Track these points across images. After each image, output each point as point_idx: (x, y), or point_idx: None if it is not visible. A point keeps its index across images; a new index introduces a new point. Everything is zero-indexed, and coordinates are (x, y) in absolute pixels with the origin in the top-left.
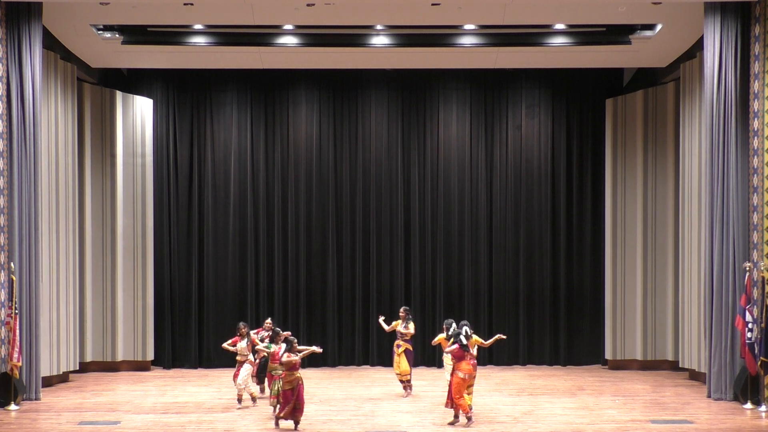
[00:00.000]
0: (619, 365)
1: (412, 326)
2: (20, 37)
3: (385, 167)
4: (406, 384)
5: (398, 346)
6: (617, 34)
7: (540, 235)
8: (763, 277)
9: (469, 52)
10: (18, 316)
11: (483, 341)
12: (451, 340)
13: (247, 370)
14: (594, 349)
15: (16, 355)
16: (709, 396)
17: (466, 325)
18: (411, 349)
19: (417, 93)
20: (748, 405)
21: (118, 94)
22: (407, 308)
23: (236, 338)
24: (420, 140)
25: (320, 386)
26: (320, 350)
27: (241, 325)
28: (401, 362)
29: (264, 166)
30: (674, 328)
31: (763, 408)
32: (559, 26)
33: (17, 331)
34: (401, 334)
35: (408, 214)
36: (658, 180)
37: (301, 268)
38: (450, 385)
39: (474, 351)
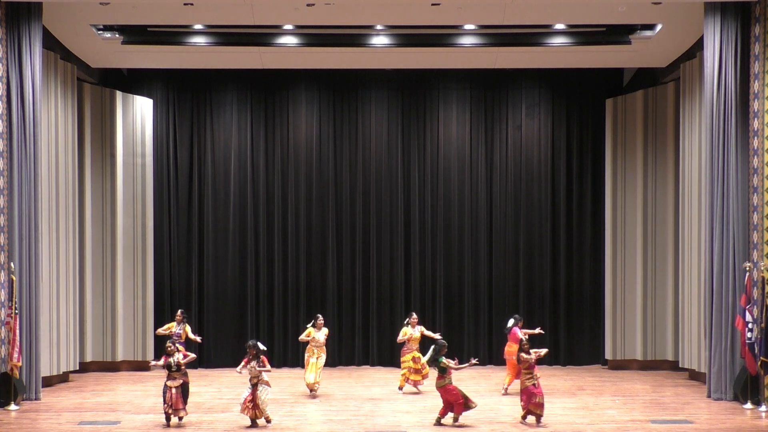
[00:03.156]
0: (619, 365)
1: (188, 329)
2: (20, 37)
3: (385, 167)
4: None
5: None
6: (617, 34)
7: (540, 235)
8: (763, 277)
9: (469, 52)
10: (18, 316)
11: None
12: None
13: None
14: (594, 349)
15: (16, 355)
16: (709, 396)
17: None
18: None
19: (417, 93)
20: (748, 405)
21: (118, 94)
22: (182, 311)
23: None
24: (420, 140)
25: (320, 386)
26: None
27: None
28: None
29: (264, 166)
30: (674, 328)
31: (763, 408)
32: (559, 26)
33: (17, 331)
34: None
35: (408, 214)
36: (658, 180)
37: (301, 268)
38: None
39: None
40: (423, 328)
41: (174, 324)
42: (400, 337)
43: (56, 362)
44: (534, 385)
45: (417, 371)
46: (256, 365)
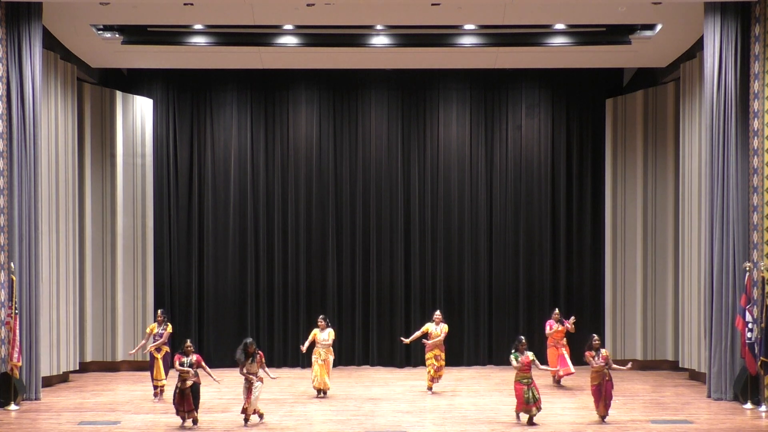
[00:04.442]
0: (619, 365)
1: (169, 328)
2: (20, 37)
3: (385, 167)
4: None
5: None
6: (617, 34)
7: (540, 235)
8: (763, 277)
9: (469, 52)
10: (18, 316)
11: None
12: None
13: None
14: None
15: (16, 355)
16: (709, 396)
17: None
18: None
19: (417, 93)
20: (748, 405)
21: (118, 94)
22: (162, 311)
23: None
24: (420, 140)
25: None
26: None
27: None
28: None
29: (264, 166)
30: (674, 328)
31: (763, 408)
32: (559, 26)
33: (17, 331)
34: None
35: (408, 214)
36: (658, 180)
37: (301, 268)
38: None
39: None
40: (445, 328)
41: (155, 325)
42: (417, 333)
43: (56, 362)
44: (598, 385)
45: (437, 369)
46: (257, 367)
